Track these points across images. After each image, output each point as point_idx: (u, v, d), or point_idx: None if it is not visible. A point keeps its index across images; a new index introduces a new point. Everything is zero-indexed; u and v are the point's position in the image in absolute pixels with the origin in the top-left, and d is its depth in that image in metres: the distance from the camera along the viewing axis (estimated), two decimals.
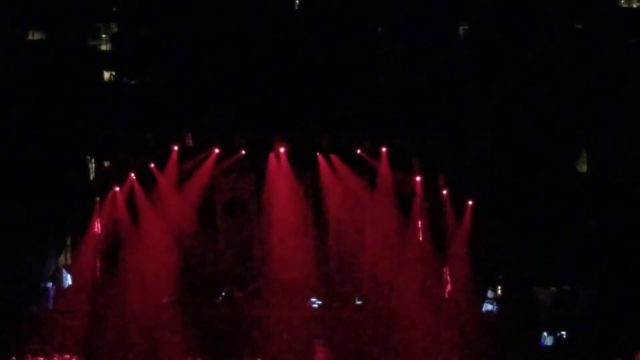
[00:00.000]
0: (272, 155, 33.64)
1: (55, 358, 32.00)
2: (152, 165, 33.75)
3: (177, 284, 33.15)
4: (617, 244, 32.86)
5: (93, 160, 35.23)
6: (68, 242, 34.93)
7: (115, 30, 36.34)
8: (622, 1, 35.47)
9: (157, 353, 32.43)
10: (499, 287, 33.93)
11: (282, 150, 33.37)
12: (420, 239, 33.34)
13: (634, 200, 32.94)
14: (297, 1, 36.26)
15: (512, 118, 33.81)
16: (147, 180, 33.72)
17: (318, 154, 33.42)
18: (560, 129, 33.69)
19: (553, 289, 33.76)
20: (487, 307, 33.81)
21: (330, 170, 33.51)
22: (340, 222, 33.78)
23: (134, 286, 33.12)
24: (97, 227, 33.67)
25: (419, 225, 33.36)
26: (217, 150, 33.60)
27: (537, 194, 33.18)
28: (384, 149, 33.04)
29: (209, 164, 33.63)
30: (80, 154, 34.93)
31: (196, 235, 33.59)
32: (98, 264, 33.62)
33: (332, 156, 33.42)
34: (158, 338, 32.46)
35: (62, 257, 35.31)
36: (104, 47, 36.46)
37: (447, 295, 33.11)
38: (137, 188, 33.66)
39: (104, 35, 36.43)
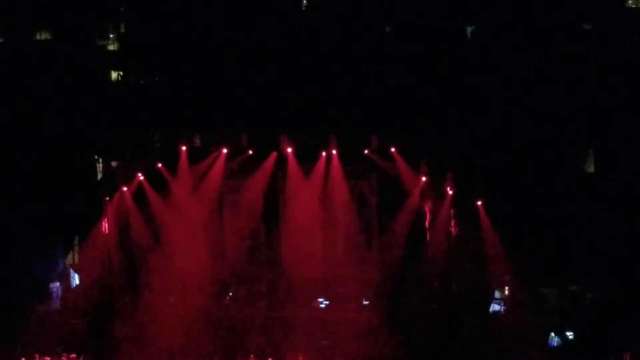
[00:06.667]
0: (279, 155, 33.66)
1: (62, 357, 32.07)
2: (160, 165, 33.80)
3: (185, 284, 33.23)
4: (625, 244, 32.79)
5: (100, 160, 35.29)
6: (76, 241, 35.03)
7: (123, 30, 36.42)
8: (630, 1, 35.43)
9: (165, 352, 32.43)
10: (507, 288, 33.89)
11: (289, 150, 33.37)
12: (428, 238, 33.29)
13: None
14: (305, 1, 36.28)
15: (520, 118, 33.77)
16: (155, 180, 33.76)
17: (324, 153, 33.39)
18: (568, 129, 33.64)
19: (560, 289, 33.71)
20: (495, 307, 33.79)
21: (337, 170, 33.49)
22: (348, 222, 33.82)
23: (143, 286, 33.25)
24: (105, 226, 33.73)
25: (426, 225, 33.33)
26: (225, 151, 33.62)
27: (544, 194, 33.13)
28: (392, 149, 33.00)
29: (219, 164, 33.67)
30: (87, 153, 34.98)
31: (206, 235, 33.62)
32: (106, 264, 33.66)
33: (339, 156, 33.39)
34: (166, 337, 32.46)
35: (69, 257, 35.42)
36: (111, 47, 36.55)
37: (454, 295, 33.04)
38: (148, 188, 33.72)
39: (111, 35, 36.53)
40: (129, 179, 33.98)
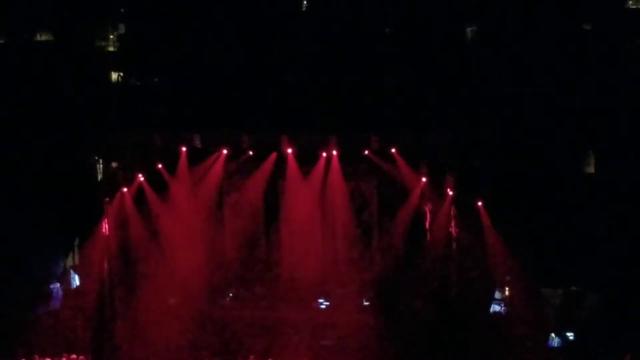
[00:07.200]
0: (279, 156, 33.67)
1: (62, 357, 32.07)
2: (160, 166, 33.81)
3: (185, 285, 33.25)
4: (625, 245, 32.78)
5: (101, 161, 35.31)
6: (76, 243, 35.05)
7: (122, 31, 36.45)
8: (631, 2, 35.42)
9: (165, 353, 32.43)
10: (507, 288, 33.90)
11: (289, 151, 33.38)
12: (428, 239, 33.29)
13: None
14: (305, 2, 36.30)
15: (520, 119, 33.77)
16: (155, 181, 33.77)
17: (324, 154, 33.39)
18: (568, 130, 33.65)
19: (561, 290, 33.72)
20: (495, 308, 33.78)
21: (337, 171, 33.49)
22: (348, 222, 33.83)
23: (143, 287, 33.26)
24: (105, 227, 33.72)
25: (427, 226, 33.33)
26: (225, 152, 33.63)
27: (544, 195, 33.14)
28: (393, 150, 33.00)
29: (219, 165, 33.68)
30: (87, 154, 35.01)
31: (206, 236, 33.64)
32: (106, 265, 33.67)
33: (339, 157, 33.39)
34: (166, 338, 32.47)
35: (69, 258, 35.44)
36: (111, 48, 36.59)
37: (454, 296, 33.03)
38: (147, 189, 33.73)
39: (111, 36, 36.55)
40: (129, 180, 33.95)
